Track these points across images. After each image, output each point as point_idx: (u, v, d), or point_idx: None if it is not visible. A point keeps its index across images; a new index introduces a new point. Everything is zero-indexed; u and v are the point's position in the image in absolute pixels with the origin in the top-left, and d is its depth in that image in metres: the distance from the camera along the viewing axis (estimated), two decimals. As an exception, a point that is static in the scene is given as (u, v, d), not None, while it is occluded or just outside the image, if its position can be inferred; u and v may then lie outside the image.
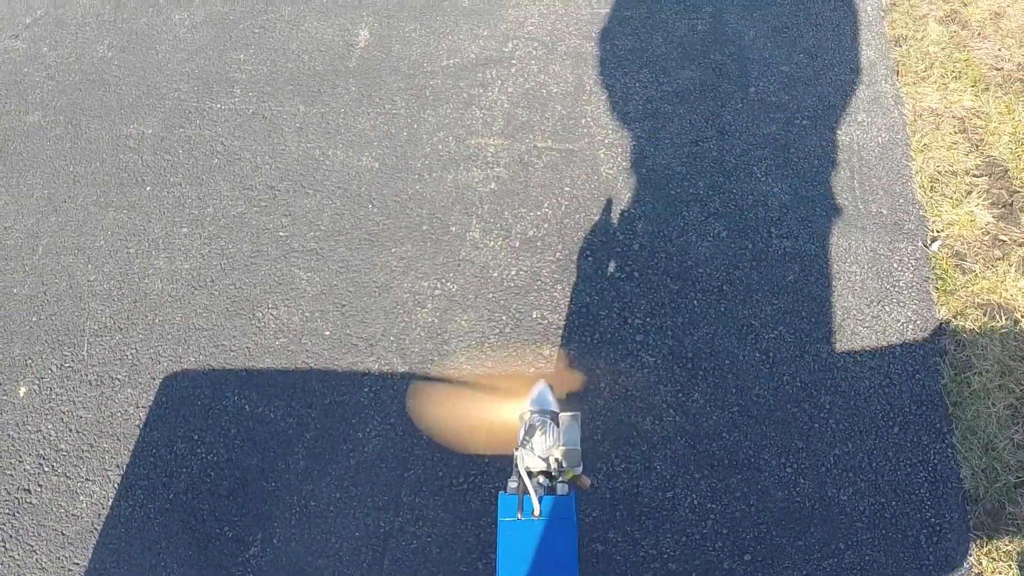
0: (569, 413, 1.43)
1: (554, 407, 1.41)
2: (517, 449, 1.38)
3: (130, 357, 2.62)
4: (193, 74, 3.49)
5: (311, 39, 3.59)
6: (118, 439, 2.45)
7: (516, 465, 1.37)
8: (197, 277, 2.79)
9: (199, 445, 2.42)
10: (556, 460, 1.39)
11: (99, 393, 2.55)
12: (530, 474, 1.38)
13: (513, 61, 3.40)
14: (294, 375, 2.52)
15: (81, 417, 2.51)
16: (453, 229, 2.84)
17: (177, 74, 3.50)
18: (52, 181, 3.15)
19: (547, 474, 1.39)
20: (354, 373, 2.51)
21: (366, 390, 2.47)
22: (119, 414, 2.50)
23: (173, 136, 3.24)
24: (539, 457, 1.37)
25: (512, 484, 1.38)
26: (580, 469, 1.43)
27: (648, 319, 2.58)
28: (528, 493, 1.33)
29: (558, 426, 1.40)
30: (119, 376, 2.58)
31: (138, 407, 2.51)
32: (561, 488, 1.40)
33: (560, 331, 2.56)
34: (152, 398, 2.52)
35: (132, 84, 3.47)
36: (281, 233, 2.88)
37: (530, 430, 1.37)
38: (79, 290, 2.80)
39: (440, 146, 3.11)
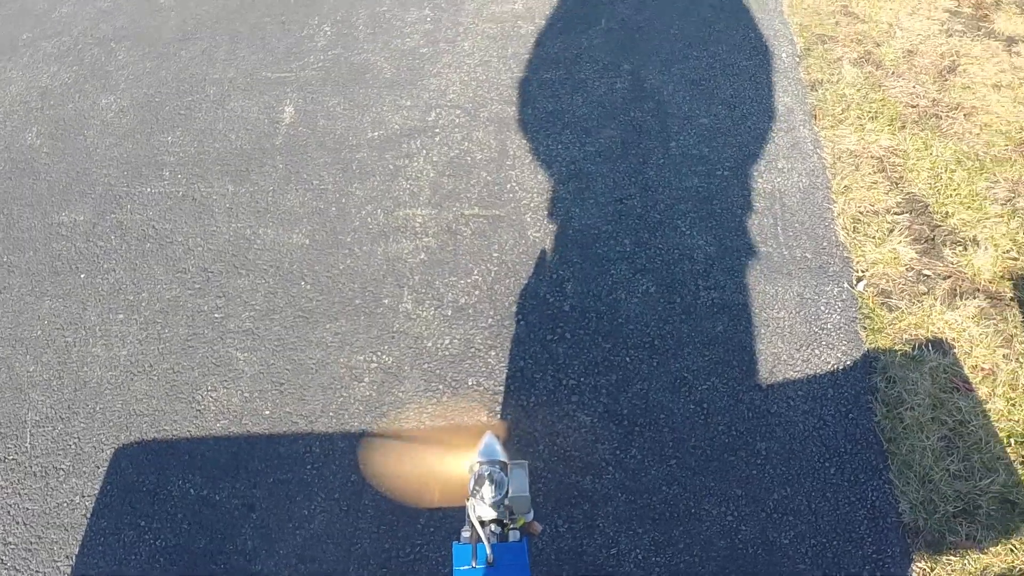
0: (516, 462, 1.49)
1: (502, 457, 1.45)
2: (468, 499, 1.43)
3: (73, 446, 2.65)
4: (122, 159, 3.56)
5: (237, 118, 3.68)
6: (66, 530, 2.48)
7: (468, 515, 1.42)
8: (135, 363, 2.83)
9: (147, 532, 2.45)
10: (506, 508, 1.44)
11: (44, 484, 2.58)
12: (482, 523, 1.42)
13: (437, 130, 3.51)
14: (237, 456, 2.57)
15: (27, 509, 2.54)
16: (386, 301, 2.92)
17: (106, 159, 3.56)
18: None
19: (499, 522, 1.44)
20: (296, 451, 2.56)
21: (309, 467, 2.52)
22: (65, 504, 2.53)
23: (105, 222, 3.30)
24: (490, 506, 1.41)
25: (465, 534, 1.43)
26: (531, 516, 1.48)
27: (582, 379, 2.67)
28: (481, 541, 1.38)
29: (507, 475, 1.44)
30: (63, 466, 2.62)
31: (84, 496, 2.54)
32: (513, 535, 1.45)
33: (497, 396, 2.64)
34: (98, 487, 2.55)
35: (62, 171, 3.54)
36: (216, 315, 2.94)
37: (480, 480, 1.42)
38: (18, 381, 2.84)
39: (369, 219, 3.19)
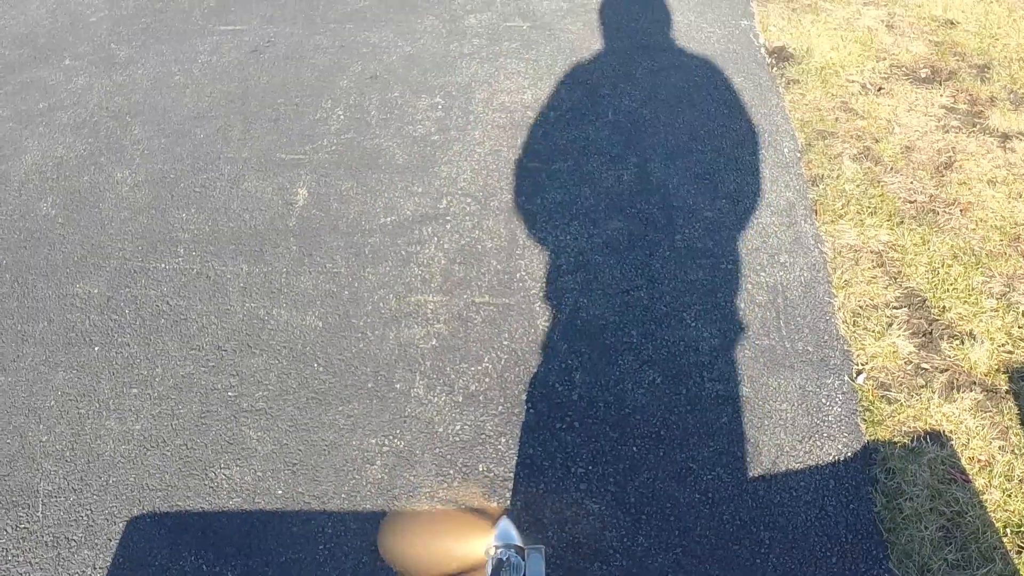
0: (533, 547, 1.56)
1: (519, 541, 1.50)
2: None
3: (85, 518, 2.72)
4: (137, 233, 3.66)
5: (251, 198, 3.81)
6: None
7: None
8: (149, 438, 2.92)
9: (157, 611, 2.54)
10: None
11: (55, 554, 2.64)
12: None
13: (448, 217, 3.66)
14: (249, 534, 2.64)
15: None
16: (398, 386, 3.03)
17: (121, 233, 3.67)
18: (0, 340, 3.28)
19: None
20: (308, 530, 2.64)
21: (321, 547, 2.60)
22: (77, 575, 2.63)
23: (119, 296, 3.40)
24: None
25: None
26: None
27: (591, 467, 2.78)
28: None
29: (524, 560, 1.47)
30: (75, 537, 2.68)
31: (95, 568, 2.60)
32: None
33: (507, 483, 2.75)
34: (110, 559, 2.61)
35: (77, 243, 3.64)
36: (230, 393, 3.04)
37: (498, 565, 1.45)
38: (31, 451, 2.91)
39: (381, 304, 3.32)
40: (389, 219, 3.65)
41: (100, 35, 4.96)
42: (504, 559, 1.46)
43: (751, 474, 2.75)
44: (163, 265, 3.52)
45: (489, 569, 1.46)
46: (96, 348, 3.22)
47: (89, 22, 5.08)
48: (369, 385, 3.03)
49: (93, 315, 3.34)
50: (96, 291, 3.43)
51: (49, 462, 2.88)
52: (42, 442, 2.94)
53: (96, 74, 4.64)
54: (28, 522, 2.75)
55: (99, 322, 3.31)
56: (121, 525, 2.72)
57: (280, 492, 2.75)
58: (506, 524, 1.54)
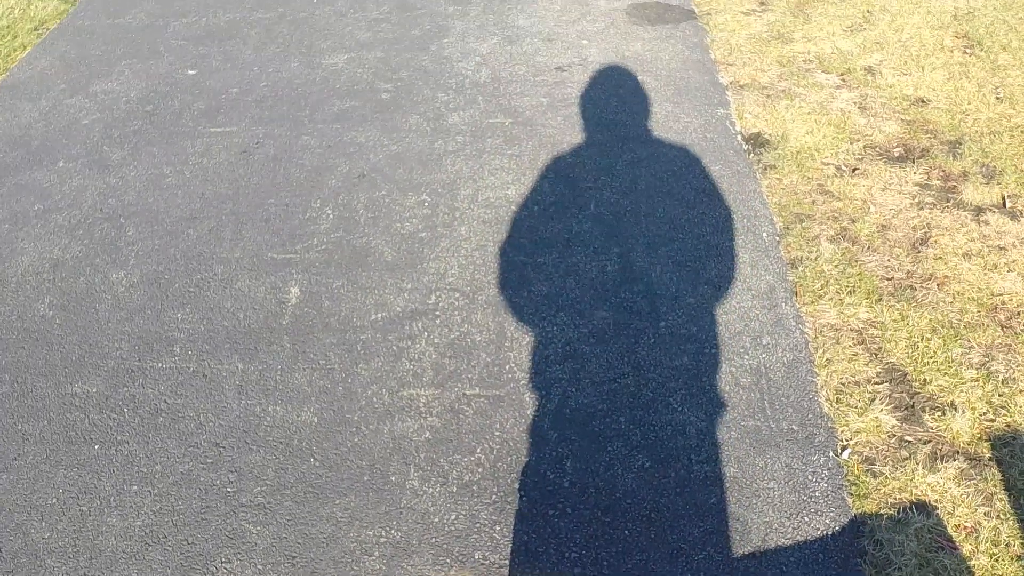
0: None
1: None
2: None
3: (89, 619, 2.81)
4: (133, 333, 3.78)
5: (245, 297, 3.94)
6: None
7: None
8: (150, 534, 3.00)
9: None
10: None
11: (62, 658, 2.73)
12: None
13: (437, 312, 3.79)
14: (252, 634, 2.76)
15: None
16: (393, 479, 3.15)
17: (118, 333, 3.78)
18: (0, 439, 3.37)
19: None
20: (310, 628, 2.76)
21: (322, 644, 2.73)
22: None
23: (118, 395, 3.51)
24: None
25: None
26: None
27: (584, 551, 2.88)
28: None
29: None
30: (80, 638, 2.77)
31: (101, 670, 2.70)
32: None
33: (503, 570, 2.85)
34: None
35: (74, 343, 3.75)
36: (229, 489, 3.14)
37: None
38: (34, 547, 2.98)
39: (375, 399, 3.44)
40: (380, 315, 3.79)
41: (93, 138, 5.13)
42: None
43: (741, 552, 2.86)
44: (160, 364, 3.64)
45: None
46: (96, 446, 3.32)
47: (82, 125, 5.25)
48: (365, 478, 3.15)
49: (92, 414, 3.44)
50: (95, 390, 3.54)
51: (52, 559, 2.96)
52: (44, 539, 3.02)
53: (90, 176, 4.80)
54: (33, 624, 2.84)
55: (98, 421, 3.41)
56: (125, 624, 2.82)
57: (281, 586, 2.86)
58: None
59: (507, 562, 2.86)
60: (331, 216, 4.38)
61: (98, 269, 4.17)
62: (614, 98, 5.28)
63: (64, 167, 4.91)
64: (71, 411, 3.48)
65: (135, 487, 3.18)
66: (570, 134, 4.94)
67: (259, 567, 2.90)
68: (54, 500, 3.15)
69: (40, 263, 4.23)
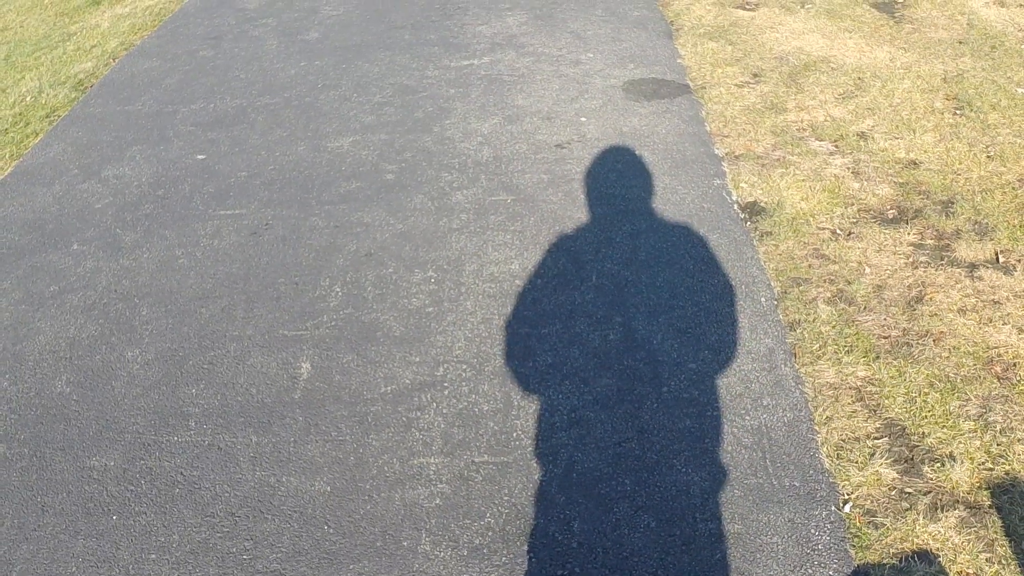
0: None
1: None
2: None
3: None
4: (149, 408, 3.90)
5: (257, 373, 4.06)
6: None
7: None
8: (170, 606, 3.11)
9: None
10: None
11: None
12: None
13: (445, 384, 3.92)
14: None
15: None
16: (405, 544, 3.25)
17: (134, 408, 3.90)
18: (21, 511, 3.47)
19: None
20: None
21: None
22: None
23: (135, 468, 3.62)
24: None
25: None
26: None
27: (594, 609, 3.01)
28: None
29: None
30: None
31: None
32: None
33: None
34: None
35: (92, 418, 3.87)
36: (245, 556, 3.24)
37: None
38: None
39: (386, 468, 3.55)
40: (389, 388, 3.92)
41: (106, 221, 5.30)
42: None
43: (746, 606, 2.97)
44: (175, 438, 3.76)
45: None
46: (114, 517, 3.43)
47: (95, 209, 5.42)
48: (378, 544, 3.25)
49: (110, 486, 3.55)
50: (112, 463, 3.66)
51: (74, 629, 3.06)
52: (66, 610, 3.12)
53: (103, 258, 4.95)
54: None
55: (116, 493, 3.52)
56: None
57: (300, 653, 2.96)
58: None
59: (519, 622, 2.97)
60: (340, 293, 4.52)
61: (113, 347, 4.30)
62: (613, 173, 5.45)
63: (78, 249, 5.07)
64: (89, 483, 3.59)
65: (153, 556, 3.29)
66: (571, 209, 5.10)
67: (278, 634, 3.00)
68: (74, 569, 3.25)
69: (57, 342, 4.37)
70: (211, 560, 3.26)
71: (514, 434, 3.64)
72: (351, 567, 3.18)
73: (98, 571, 3.24)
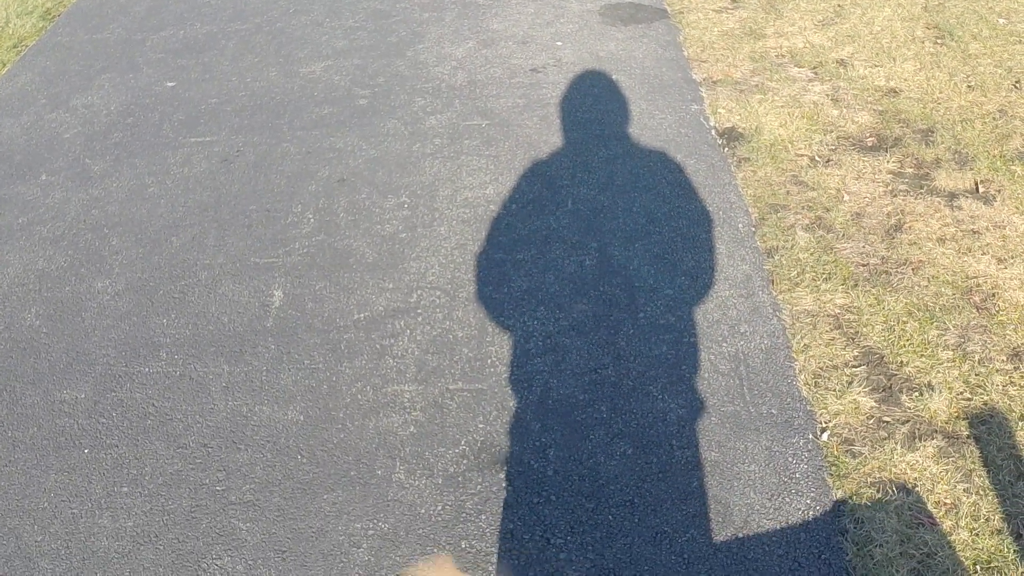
0: None
1: None
2: None
3: (83, 617, 2.83)
4: (120, 340, 3.81)
5: (228, 301, 3.97)
6: None
7: None
8: (141, 533, 3.03)
9: None
10: None
11: (56, 656, 2.75)
12: None
13: (419, 311, 3.83)
14: (243, 625, 2.78)
15: None
16: (379, 472, 3.18)
17: (104, 340, 3.81)
18: None
19: None
20: (301, 618, 2.79)
21: (313, 633, 2.75)
22: None
23: (106, 400, 3.54)
24: None
25: None
26: None
27: (569, 537, 2.92)
28: None
29: None
30: (74, 637, 2.79)
31: (94, 667, 2.72)
32: None
33: (490, 557, 2.89)
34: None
35: (62, 351, 3.78)
36: (218, 487, 3.17)
37: None
38: (27, 550, 3.00)
39: (359, 396, 3.48)
40: (362, 315, 3.83)
41: (75, 151, 5.16)
42: None
43: (724, 533, 2.90)
44: (147, 369, 3.66)
45: None
46: (86, 450, 3.35)
47: (63, 138, 5.28)
48: (352, 473, 3.18)
49: (81, 419, 3.47)
50: (83, 396, 3.57)
51: (45, 561, 2.98)
52: (37, 542, 3.04)
53: (72, 188, 4.82)
54: (28, 625, 2.86)
55: (87, 426, 3.44)
56: (118, 622, 2.84)
57: (271, 579, 2.89)
58: None
59: (494, 550, 2.90)
60: (312, 220, 4.41)
61: (83, 279, 4.19)
62: (589, 98, 5.33)
63: (47, 180, 4.93)
64: (60, 417, 3.50)
65: (125, 488, 3.21)
66: (546, 134, 4.98)
67: (250, 562, 2.93)
68: (46, 504, 3.17)
69: (26, 274, 4.26)
70: (184, 492, 3.18)
71: (489, 361, 3.56)
72: (325, 497, 3.11)
73: (70, 505, 3.17)
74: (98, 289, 4.12)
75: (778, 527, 2.91)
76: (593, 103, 5.26)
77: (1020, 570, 2.75)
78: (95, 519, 3.11)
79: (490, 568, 2.86)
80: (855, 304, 3.70)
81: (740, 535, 2.90)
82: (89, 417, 3.49)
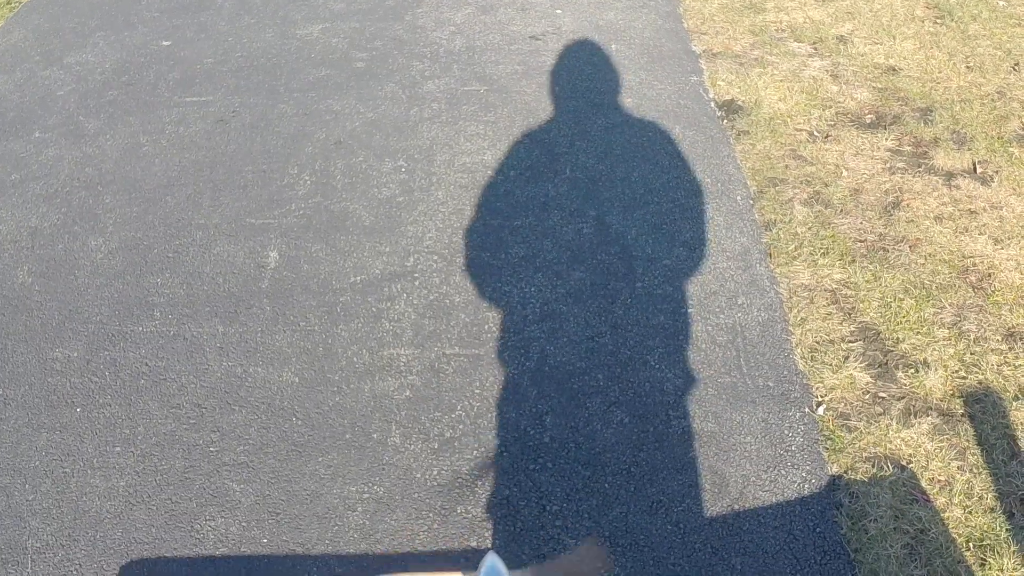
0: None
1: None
2: None
3: (75, 573, 2.78)
4: (113, 299, 3.75)
5: (223, 262, 3.91)
6: None
7: None
8: (134, 494, 2.99)
9: (151, 659, 2.61)
10: None
11: (47, 613, 2.71)
12: None
13: (416, 275, 3.79)
14: (238, 583, 2.74)
15: None
16: (375, 436, 3.15)
17: (97, 299, 3.75)
18: None
19: None
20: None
21: (308, 593, 2.72)
22: None
23: (98, 359, 3.49)
24: None
25: None
26: None
27: (565, 505, 2.89)
28: None
29: None
30: (65, 594, 2.75)
31: (86, 624, 2.68)
32: None
33: (485, 523, 2.86)
34: (100, 616, 2.69)
35: (54, 309, 3.72)
36: (212, 448, 3.13)
37: None
38: (18, 509, 2.97)
39: (355, 359, 3.44)
40: (359, 278, 3.78)
41: (68, 108, 5.08)
42: None
43: (719, 504, 2.88)
44: (140, 328, 3.61)
45: None
46: (78, 409, 3.30)
47: (57, 96, 5.19)
48: (347, 436, 3.15)
49: (73, 378, 3.42)
50: (75, 355, 3.52)
51: (36, 520, 2.94)
52: (28, 501, 3.00)
53: (66, 146, 4.75)
54: (17, 579, 2.82)
55: (80, 384, 3.39)
56: (111, 578, 2.80)
57: (265, 541, 2.84)
58: (494, 561, 1.56)
59: (489, 516, 2.87)
60: (308, 182, 4.36)
61: (76, 236, 4.13)
62: (588, 66, 5.27)
63: (40, 137, 4.85)
64: (52, 375, 3.45)
65: (118, 448, 3.17)
66: (545, 101, 4.93)
67: (243, 524, 2.89)
68: (37, 463, 3.13)
69: (18, 231, 4.19)
70: (177, 452, 3.14)
71: (486, 327, 3.53)
72: (319, 459, 3.07)
73: (62, 464, 3.12)
74: (92, 247, 4.05)
75: (773, 499, 2.89)
76: (592, 72, 5.20)
77: (1012, 549, 2.73)
78: (87, 479, 3.07)
79: (486, 535, 2.82)
80: (852, 279, 3.67)
81: (736, 507, 2.87)
82: (82, 376, 3.44)
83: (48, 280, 3.89)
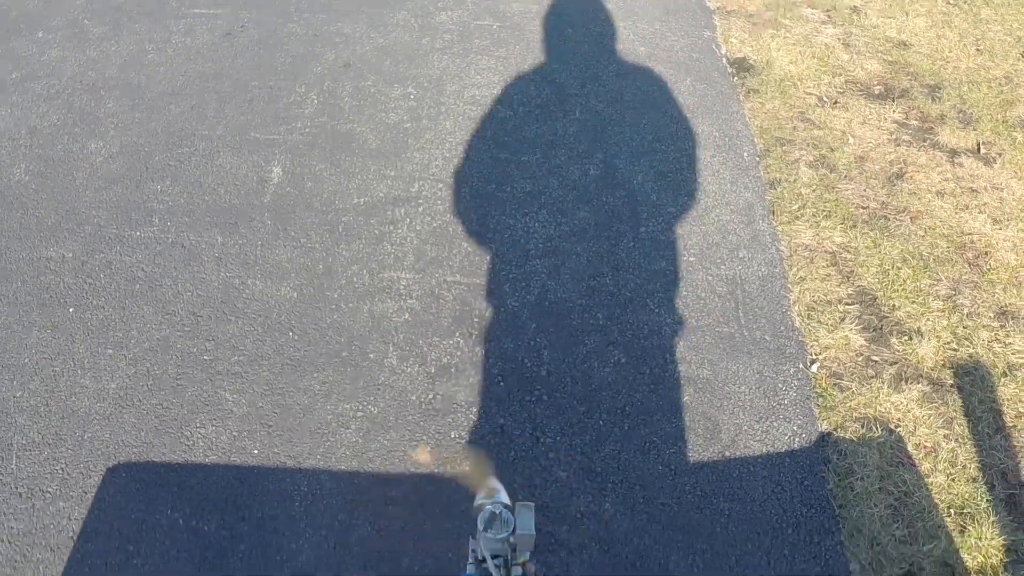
0: (523, 503, 1.62)
1: (506, 498, 1.55)
2: (474, 537, 1.55)
3: (60, 472, 2.76)
4: (111, 202, 3.70)
5: (226, 173, 3.86)
6: (52, 550, 2.58)
7: (476, 551, 1.54)
8: (124, 397, 2.97)
9: (134, 556, 2.56)
10: (511, 545, 1.53)
11: (30, 505, 2.68)
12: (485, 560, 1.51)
13: (420, 201, 3.75)
14: (226, 490, 2.71)
15: (12, 528, 2.63)
16: (371, 356, 3.12)
17: (95, 201, 3.70)
18: None
19: (503, 559, 1.53)
20: (284, 488, 2.71)
21: (297, 504, 2.67)
22: (52, 526, 2.63)
23: (94, 261, 3.44)
24: (496, 543, 1.50)
25: (471, 570, 1.55)
26: (528, 555, 1.64)
27: (559, 438, 2.89)
28: (491, 574, 1.48)
29: (513, 515, 1.53)
30: (50, 489, 2.72)
31: (71, 519, 2.64)
32: (515, 570, 1.56)
33: (479, 450, 2.85)
34: (85, 511, 2.66)
35: (51, 208, 3.66)
36: (205, 357, 3.10)
37: (490, 518, 1.50)
38: (5, 405, 2.94)
39: (355, 279, 3.40)
40: (362, 200, 3.74)
41: (73, 11, 4.98)
42: (495, 513, 1.52)
43: (711, 450, 2.88)
44: (138, 233, 3.56)
45: (481, 524, 1.51)
46: (71, 309, 3.26)
47: (61, -1, 5.10)
48: (343, 354, 3.12)
49: (67, 278, 3.37)
50: (70, 255, 3.47)
51: (23, 417, 2.92)
52: (16, 397, 2.97)
53: (70, 48, 4.66)
54: (1, 474, 2.78)
55: (73, 285, 3.34)
56: (96, 479, 2.76)
57: (256, 452, 2.82)
58: (493, 482, 1.60)
59: (484, 443, 2.86)
60: (315, 101, 4.29)
61: (76, 138, 4.06)
62: (603, 12, 5.21)
63: (44, 38, 4.76)
64: (46, 274, 3.40)
65: (110, 351, 3.13)
66: (559, 43, 4.87)
67: (234, 433, 2.87)
68: (27, 360, 3.09)
69: (16, 129, 4.11)
70: (170, 359, 3.11)
71: (488, 257, 3.50)
72: (315, 375, 3.05)
73: (52, 364, 3.09)
74: (91, 150, 3.99)
75: (764, 450, 2.90)
76: (607, 18, 5.15)
77: (991, 519, 2.75)
78: (77, 379, 3.04)
79: (479, 460, 2.81)
80: (852, 244, 3.66)
81: (727, 453, 2.88)
82: (76, 276, 3.39)
83: (45, 179, 3.83)
